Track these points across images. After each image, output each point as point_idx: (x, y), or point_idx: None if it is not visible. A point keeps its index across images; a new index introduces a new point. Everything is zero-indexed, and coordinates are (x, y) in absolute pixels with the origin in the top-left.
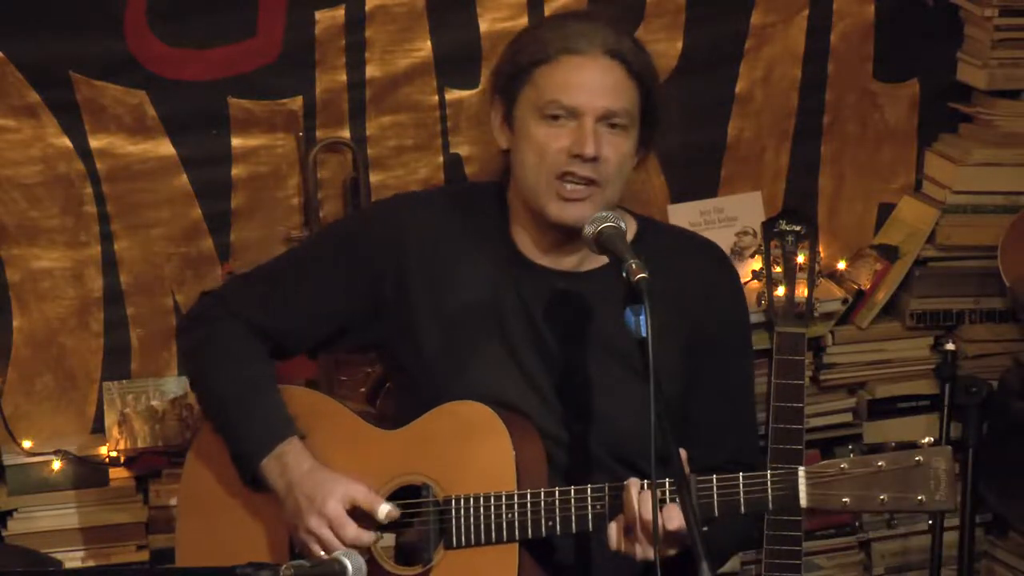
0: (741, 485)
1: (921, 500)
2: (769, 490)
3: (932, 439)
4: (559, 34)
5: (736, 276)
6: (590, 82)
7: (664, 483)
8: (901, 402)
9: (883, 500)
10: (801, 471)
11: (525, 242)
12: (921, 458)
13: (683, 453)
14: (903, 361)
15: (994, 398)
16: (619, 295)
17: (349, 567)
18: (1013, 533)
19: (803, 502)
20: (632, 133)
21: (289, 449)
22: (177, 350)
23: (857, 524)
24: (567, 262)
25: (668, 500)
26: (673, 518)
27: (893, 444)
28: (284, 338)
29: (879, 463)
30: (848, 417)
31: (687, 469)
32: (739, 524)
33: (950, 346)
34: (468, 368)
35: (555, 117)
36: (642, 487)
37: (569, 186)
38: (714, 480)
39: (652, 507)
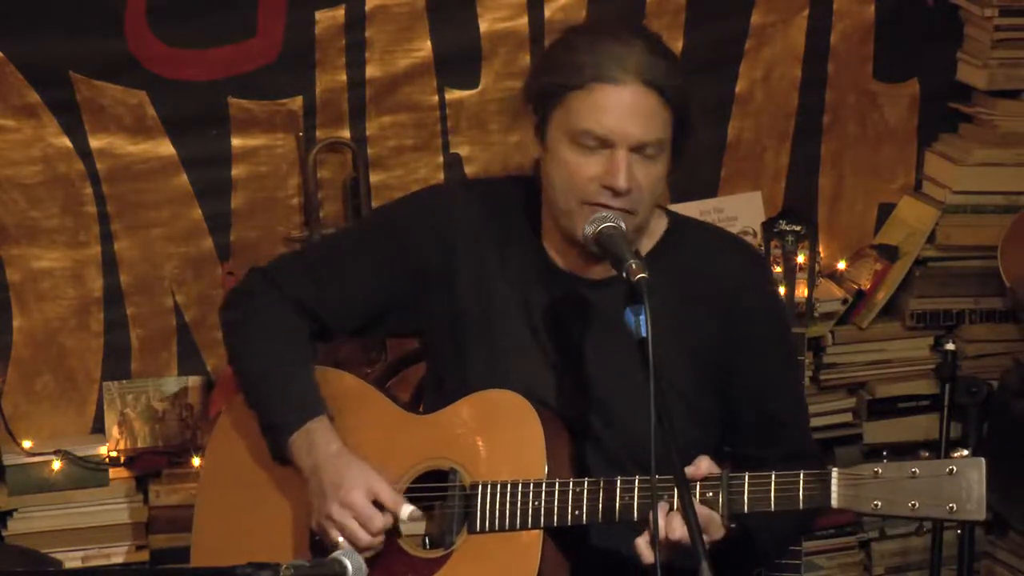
0: (773, 483)
1: (952, 509)
2: (801, 489)
3: (967, 452)
4: (593, 59)
5: (768, 271)
6: (623, 113)
7: (695, 483)
8: (901, 402)
9: (914, 506)
10: (835, 472)
11: (555, 248)
12: (955, 468)
13: (697, 462)
14: (903, 361)
15: (994, 398)
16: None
17: (349, 567)
18: (1013, 533)
19: (834, 503)
20: (664, 157)
21: (318, 427)
22: (220, 322)
23: (883, 528)
24: (594, 271)
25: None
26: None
27: (926, 454)
28: (327, 318)
29: (913, 469)
30: (848, 417)
31: (714, 468)
32: (785, 522)
33: (950, 346)
34: (502, 362)
35: (587, 146)
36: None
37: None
38: (746, 478)
39: (652, 511)
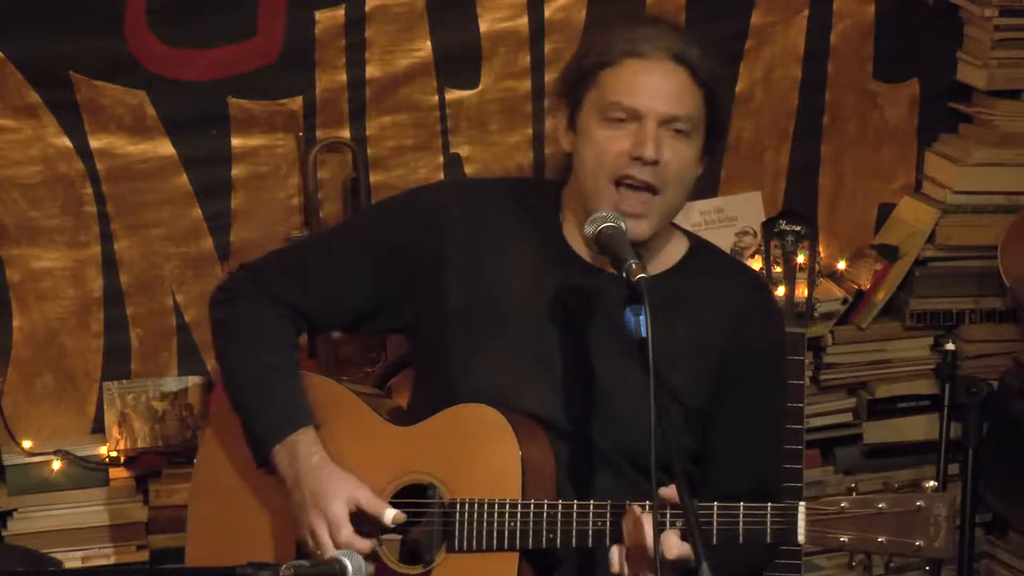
0: (741, 516)
1: (919, 546)
2: (768, 524)
3: (936, 483)
4: (624, 37)
5: (775, 305)
6: (653, 85)
7: (666, 510)
8: (901, 402)
9: (881, 543)
10: (801, 507)
11: (577, 241)
12: (923, 503)
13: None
14: (903, 361)
15: (994, 398)
16: (658, 304)
17: (349, 567)
18: (1013, 533)
19: (801, 538)
20: (695, 140)
21: (301, 438)
22: (209, 320)
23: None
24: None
25: (669, 526)
26: (672, 546)
27: (896, 486)
28: (316, 316)
29: (880, 504)
30: (848, 417)
31: (686, 496)
32: (750, 550)
33: (950, 346)
34: (486, 360)
35: (617, 120)
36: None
37: (628, 196)
38: (715, 508)
39: (654, 524)
